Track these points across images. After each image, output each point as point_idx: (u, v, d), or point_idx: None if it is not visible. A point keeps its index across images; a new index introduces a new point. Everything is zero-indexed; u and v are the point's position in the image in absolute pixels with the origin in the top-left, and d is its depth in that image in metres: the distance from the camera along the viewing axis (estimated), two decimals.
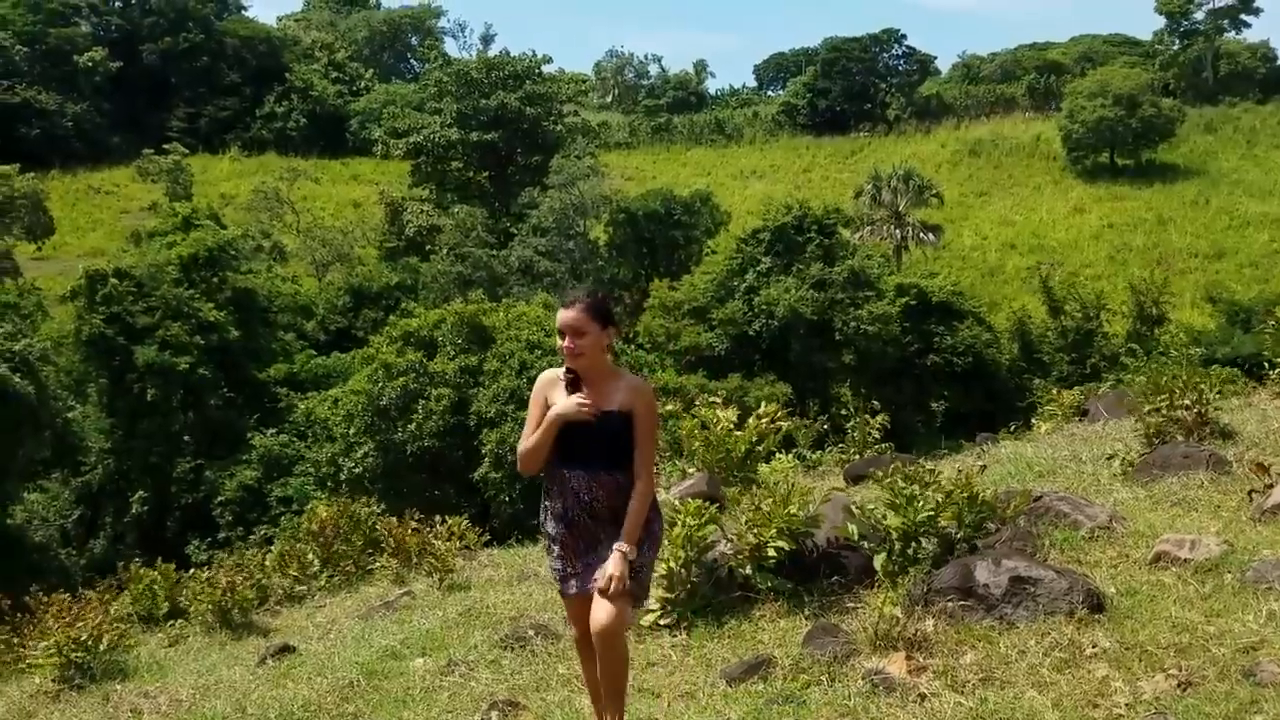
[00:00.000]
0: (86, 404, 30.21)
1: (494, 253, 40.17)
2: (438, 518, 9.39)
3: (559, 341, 4.03)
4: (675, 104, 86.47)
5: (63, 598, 8.53)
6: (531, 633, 5.83)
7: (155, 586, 9.29)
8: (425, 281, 38.99)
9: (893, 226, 43.16)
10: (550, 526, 4.15)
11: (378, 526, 10.15)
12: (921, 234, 43.84)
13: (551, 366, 4.20)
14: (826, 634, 4.90)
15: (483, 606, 6.91)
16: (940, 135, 69.65)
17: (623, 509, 4.02)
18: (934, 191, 46.29)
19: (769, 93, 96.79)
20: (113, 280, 29.62)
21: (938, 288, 33.20)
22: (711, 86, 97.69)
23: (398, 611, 7.57)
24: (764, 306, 30.92)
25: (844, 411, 10.91)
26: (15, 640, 8.35)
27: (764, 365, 30.32)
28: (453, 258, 39.27)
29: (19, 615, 8.72)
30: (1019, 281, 46.52)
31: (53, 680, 6.97)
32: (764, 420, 8.70)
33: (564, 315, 4.02)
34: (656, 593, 5.68)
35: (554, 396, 4.07)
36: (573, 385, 4.04)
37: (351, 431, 24.45)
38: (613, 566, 3.91)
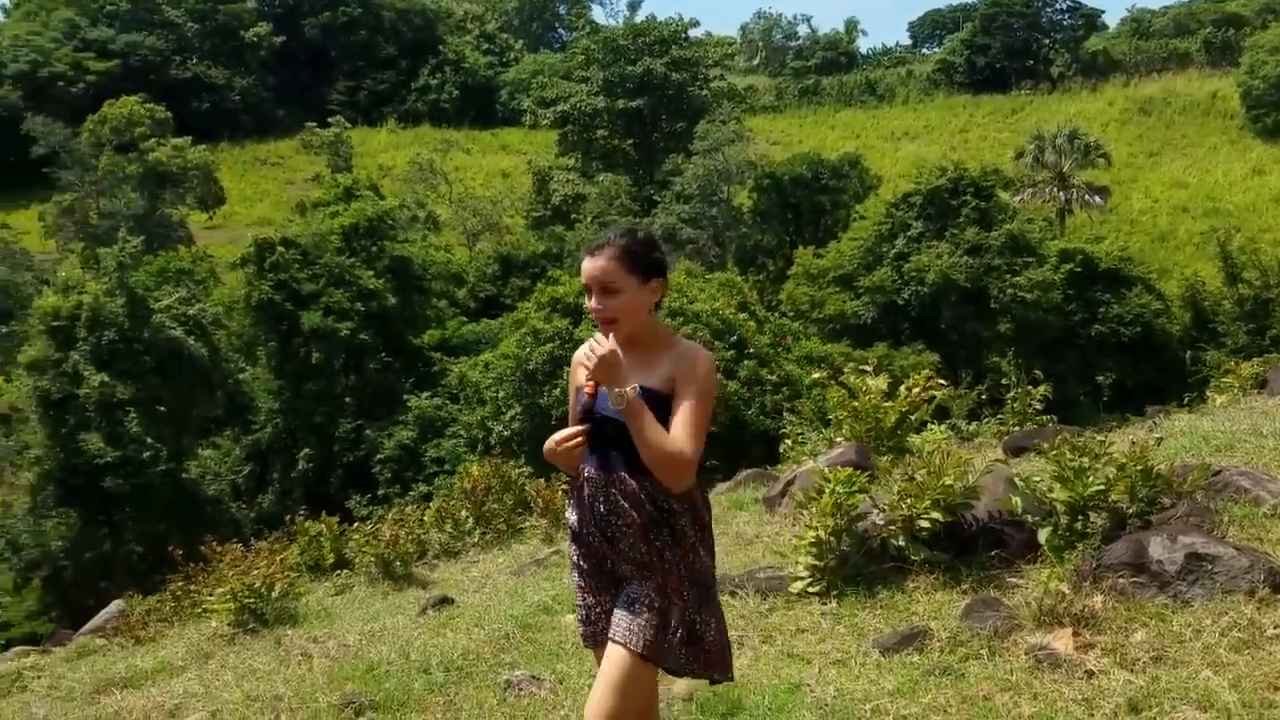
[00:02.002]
0: (256, 366, 31.84)
1: (637, 220, 40.32)
2: None
3: (586, 301, 3.14)
4: (824, 65, 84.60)
5: (236, 547, 9.04)
6: None
7: (321, 539, 9.74)
8: (570, 250, 39.49)
9: (1056, 189, 41.27)
10: (570, 547, 3.28)
11: (527, 487, 10.40)
12: (1087, 196, 41.83)
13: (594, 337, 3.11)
14: (987, 608, 4.75)
15: None
16: (1108, 93, 66.02)
17: (654, 539, 3.04)
18: (1101, 152, 43.96)
19: (924, 51, 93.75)
20: (280, 249, 31.02)
21: (1104, 253, 31.62)
22: (863, 46, 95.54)
23: (548, 569, 7.72)
24: (914, 273, 30.07)
25: (1003, 382, 10.50)
26: (192, 587, 8.88)
27: (912, 334, 29.54)
28: (596, 226, 39.63)
29: (195, 564, 9.26)
30: (1192, 247, 43.85)
31: (228, 624, 7.38)
32: (916, 389, 8.46)
33: (589, 265, 3.06)
34: (805, 560, 5.61)
35: (580, 377, 3.15)
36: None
37: (501, 395, 25.01)
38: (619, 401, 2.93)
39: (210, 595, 7.97)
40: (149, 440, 25.34)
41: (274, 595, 7.54)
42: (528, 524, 9.72)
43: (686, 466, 2.95)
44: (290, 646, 6.36)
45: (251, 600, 7.38)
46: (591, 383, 3.02)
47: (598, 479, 3.09)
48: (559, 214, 45.80)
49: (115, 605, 9.93)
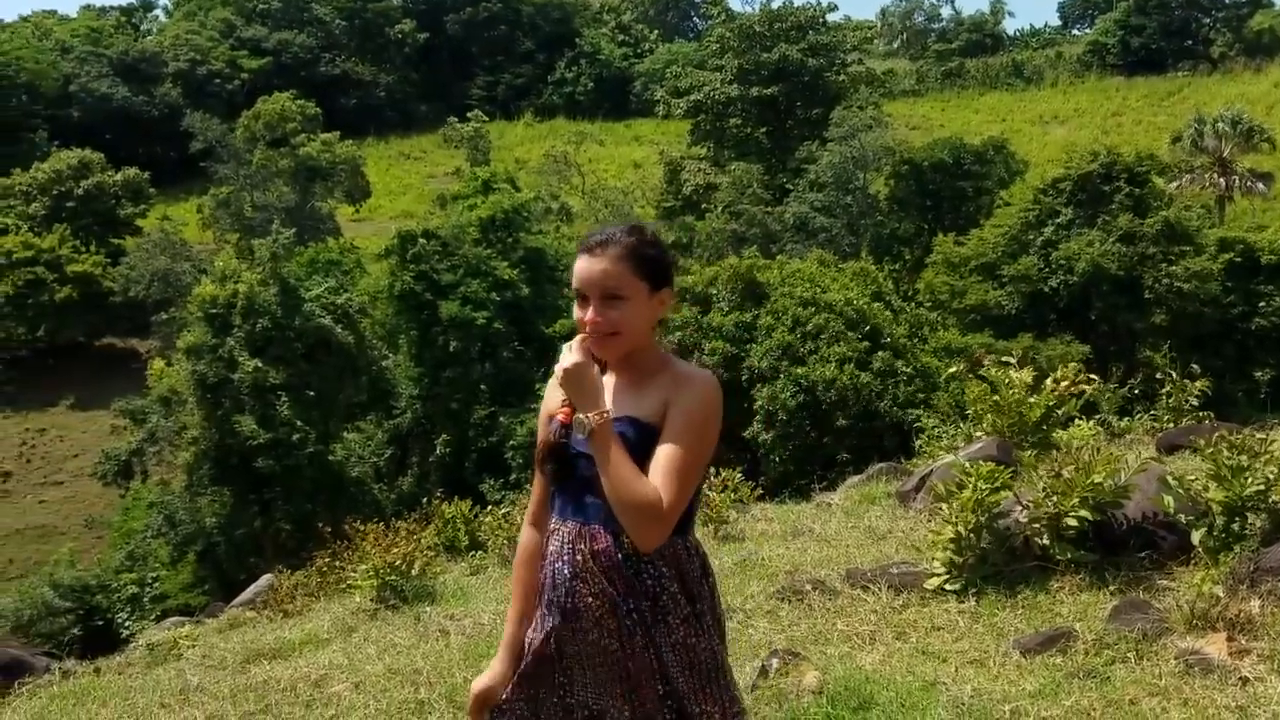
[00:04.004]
0: (398, 353, 32.87)
1: (768, 209, 39.96)
2: (712, 469, 9.53)
3: (576, 311, 2.54)
4: (968, 47, 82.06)
5: (377, 527, 9.35)
6: (809, 587, 5.75)
7: (457, 521, 9.99)
8: (700, 239, 39.45)
9: (1216, 174, 39.09)
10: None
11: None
12: (1250, 183, 39.48)
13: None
14: (1135, 610, 4.53)
15: (757, 559, 6.90)
16: (1273, 73, 62.14)
17: (625, 617, 2.42)
18: (1265, 136, 41.39)
19: (1074, 32, 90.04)
20: (421, 240, 31.92)
21: (1267, 243, 29.78)
22: (1010, 27, 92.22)
23: None
24: (1062, 261, 28.88)
25: (1156, 376, 10.00)
26: (337, 564, 9.23)
27: (1059, 325, 28.40)
28: (727, 215, 39.45)
29: (340, 542, 9.62)
30: None
31: (370, 600, 7.63)
32: (1064, 383, 8.12)
33: (588, 266, 2.51)
34: (943, 555, 5.46)
35: (554, 401, 2.59)
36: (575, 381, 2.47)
37: None
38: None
39: (354, 572, 8.26)
40: (298, 423, 26.42)
41: (413, 573, 7.75)
42: None
43: (659, 520, 2.35)
44: (429, 623, 6.53)
45: (392, 578, 7.61)
46: (567, 408, 2.49)
47: (566, 532, 2.49)
48: (690, 204, 45.80)
49: (265, 579, 10.39)
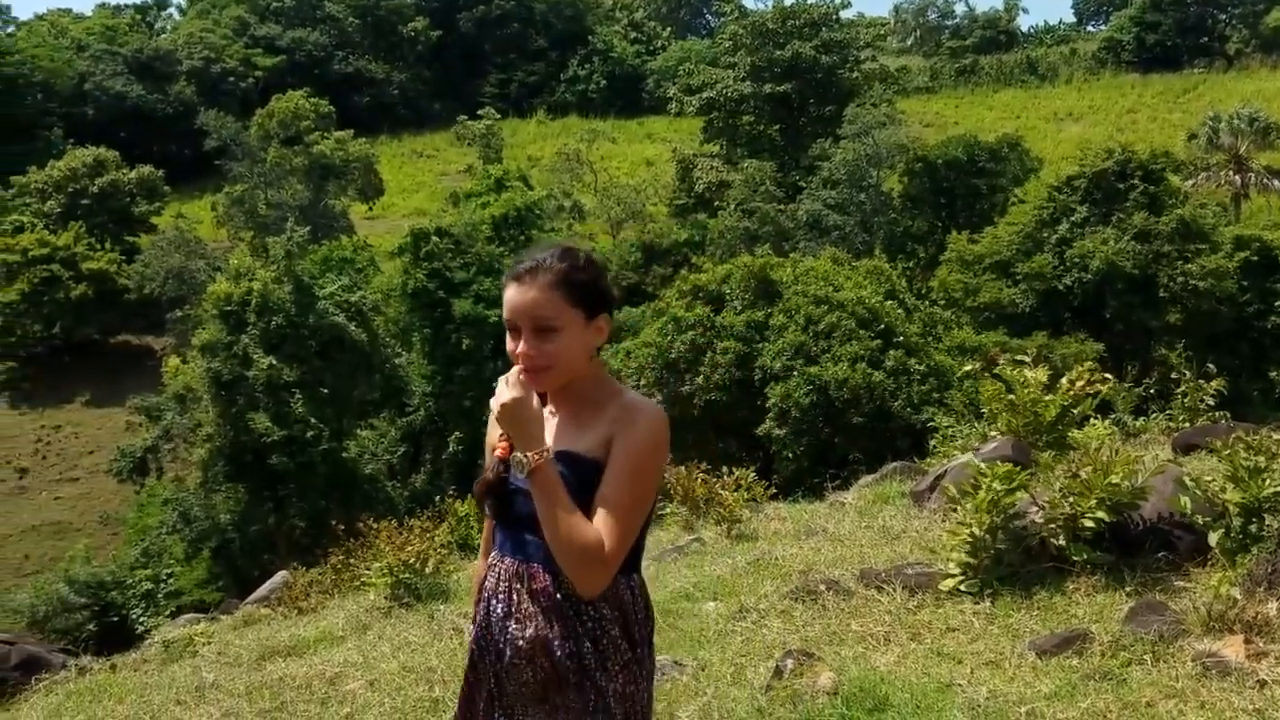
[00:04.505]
0: (411, 351, 32.97)
1: (781, 207, 39.87)
2: (725, 468, 9.54)
3: (509, 344, 2.44)
4: (982, 44, 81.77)
5: (391, 524, 9.38)
6: (823, 587, 5.74)
7: (470, 519, 10.02)
8: (713, 237, 39.40)
9: (1232, 172, 38.84)
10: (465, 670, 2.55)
11: (666, 475, 10.44)
12: (1266, 180, 39.23)
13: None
14: (1151, 612, 4.51)
15: (771, 558, 6.90)
16: None
17: (564, 658, 2.32)
18: None
19: (1089, 28, 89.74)
20: (434, 238, 31.99)
21: None
22: (1024, 23, 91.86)
23: (688, 556, 7.73)
24: (1077, 259, 28.74)
25: (1172, 375, 9.95)
26: (351, 561, 9.27)
27: (1074, 323, 28.27)
28: (740, 213, 39.38)
29: (353, 539, 9.65)
30: None
31: (384, 597, 7.66)
32: (1079, 382, 8.08)
33: (516, 295, 2.40)
34: (958, 556, 5.45)
35: (493, 435, 2.50)
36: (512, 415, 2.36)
37: (642, 383, 25.19)
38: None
39: (368, 569, 8.30)
40: (312, 421, 26.52)
41: (427, 571, 7.79)
42: (668, 511, 9.76)
43: (601, 566, 2.24)
44: (442, 621, 6.55)
45: (406, 575, 7.64)
46: (505, 443, 2.38)
47: (504, 569, 2.39)
48: (702, 202, 45.75)
49: (279, 576, 10.44)
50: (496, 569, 2.41)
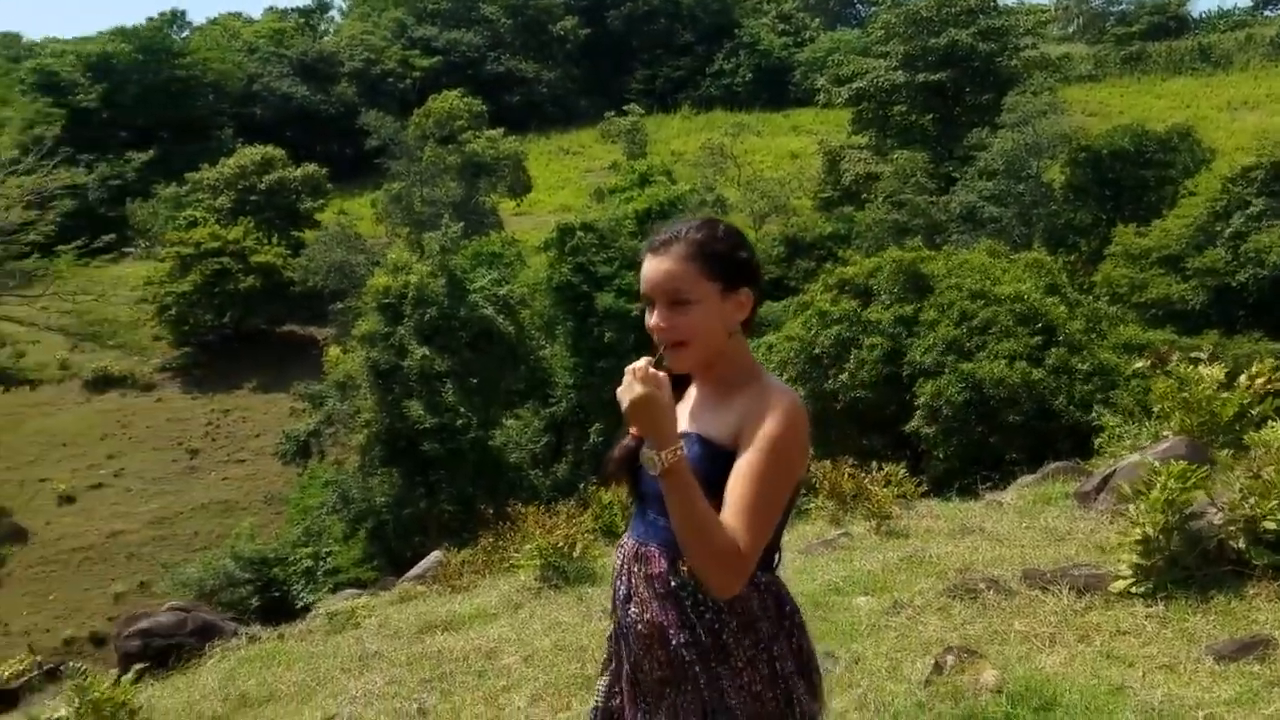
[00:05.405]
0: (555, 344, 33.52)
1: (933, 199, 38.78)
2: (872, 464, 9.38)
3: (647, 318, 2.37)
4: (1151, 30, 77.68)
5: (538, 509, 9.57)
6: (983, 586, 5.56)
7: (615, 506, 10.12)
8: (860, 230, 38.64)
9: None
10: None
11: (811, 468, 10.31)
12: None
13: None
14: None
15: (924, 555, 6.73)
16: None
17: (679, 647, 2.22)
18: None
19: (1267, 13, 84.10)
20: (579, 233, 32.42)
21: None
22: (1195, 9, 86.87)
23: (836, 551, 7.61)
24: (1252, 254, 27.04)
25: None
26: (501, 543, 9.50)
27: (1249, 321, 26.62)
28: (889, 205, 38.50)
29: (502, 523, 9.88)
30: None
31: (534, 579, 7.82)
32: (1260, 379, 7.61)
33: (651, 267, 2.35)
34: (1129, 558, 5.20)
35: None
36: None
37: (785, 378, 24.88)
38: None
39: (517, 551, 8.49)
40: (461, 409, 27.29)
41: (575, 555, 7.91)
42: (814, 505, 9.64)
43: (737, 567, 2.09)
44: (591, 603, 6.65)
45: (555, 558, 7.78)
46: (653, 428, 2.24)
47: (627, 549, 2.32)
48: (849, 194, 44.92)
49: (433, 556, 10.77)
50: (622, 548, 2.34)
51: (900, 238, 33.79)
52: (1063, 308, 21.27)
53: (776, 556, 2.27)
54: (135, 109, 60.69)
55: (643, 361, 2.21)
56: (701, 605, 2.19)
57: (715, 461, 2.18)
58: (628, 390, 2.18)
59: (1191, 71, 65.55)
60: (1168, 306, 27.25)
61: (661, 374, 2.19)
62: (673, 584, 2.20)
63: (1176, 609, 4.84)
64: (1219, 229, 28.42)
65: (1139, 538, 5.16)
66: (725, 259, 2.27)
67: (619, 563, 2.33)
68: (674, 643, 2.19)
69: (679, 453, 2.11)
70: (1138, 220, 32.55)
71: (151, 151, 56.90)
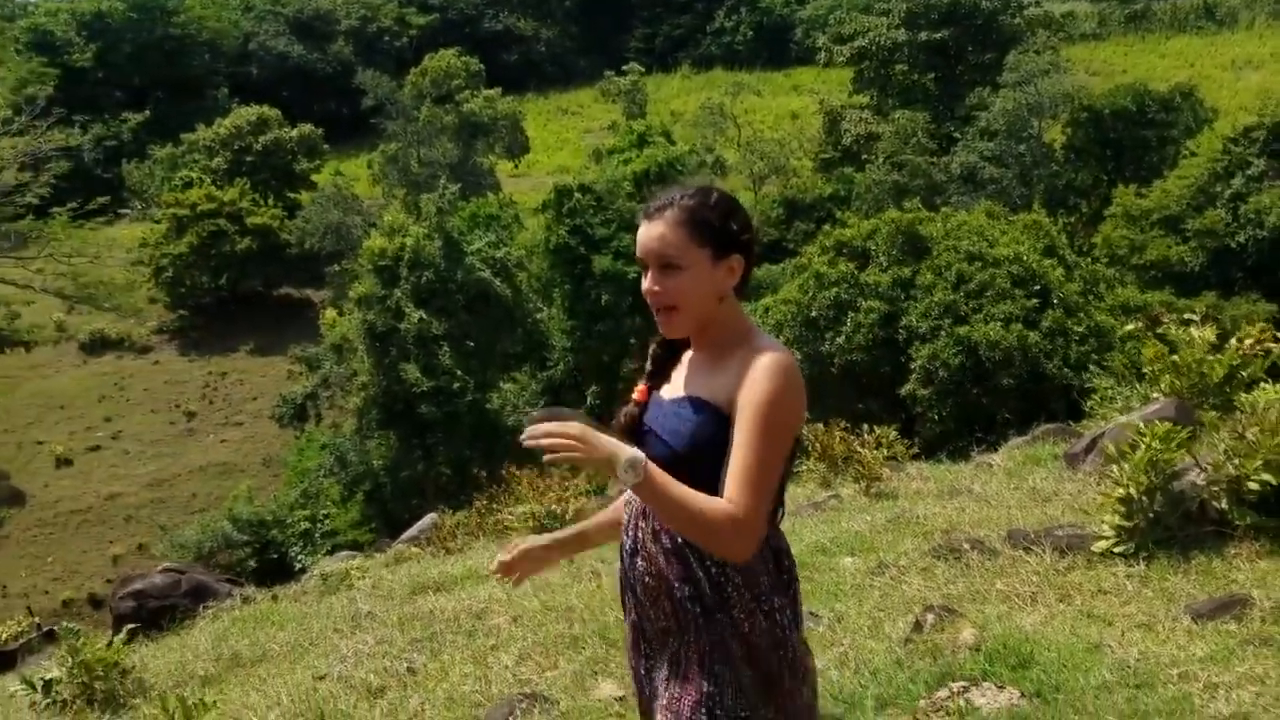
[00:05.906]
0: (552, 306, 33.51)
1: (933, 159, 38.58)
2: (865, 426, 9.40)
3: (642, 281, 2.39)
4: None
5: (532, 473, 9.63)
6: (966, 546, 5.60)
7: None
8: (859, 191, 38.48)
9: None
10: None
11: (805, 431, 10.35)
12: None
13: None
14: None
15: (911, 516, 6.77)
16: None
17: (682, 599, 2.25)
18: None
19: None
20: (576, 195, 32.30)
21: None
22: None
23: (825, 512, 7.65)
24: (1252, 215, 27.00)
25: None
26: (494, 505, 9.58)
27: (1247, 283, 26.61)
28: (889, 166, 38.31)
29: (496, 486, 9.95)
30: None
31: None
32: (1249, 341, 7.60)
33: (644, 233, 2.37)
34: (1111, 518, 5.23)
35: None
36: (655, 365, 2.43)
37: (781, 341, 24.88)
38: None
39: (510, 514, 8.55)
40: (458, 372, 27.31)
41: (567, 518, 7.97)
42: (804, 468, 9.68)
43: (739, 535, 2.10)
44: (581, 565, 6.69)
45: (547, 520, 7.84)
46: (643, 387, 2.40)
47: (635, 506, 2.35)
48: (849, 155, 44.64)
49: (428, 518, 10.85)
50: (631, 505, 2.37)
51: (900, 199, 33.64)
52: (1060, 270, 21.25)
53: (780, 511, 2.31)
54: (129, 68, 60.18)
55: (552, 425, 2.14)
56: (706, 560, 2.23)
57: (712, 423, 2.22)
58: (532, 437, 2.14)
59: (1196, 30, 64.95)
60: (1166, 268, 27.24)
61: (556, 425, 2.14)
62: (679, 540, 2.24)
63: (1157, 569, 4.88)
64: (1219, 190, 28.35)
65: (1122, 497, 5.19)
66: (714, 226, 2.31)
67: (627, 518, 2.38)
68: (678, 595, 2.24)
69: (640, 460, 2.09)
70: (1138, 181, 32.44)
71: (146, 112, 56.50)
